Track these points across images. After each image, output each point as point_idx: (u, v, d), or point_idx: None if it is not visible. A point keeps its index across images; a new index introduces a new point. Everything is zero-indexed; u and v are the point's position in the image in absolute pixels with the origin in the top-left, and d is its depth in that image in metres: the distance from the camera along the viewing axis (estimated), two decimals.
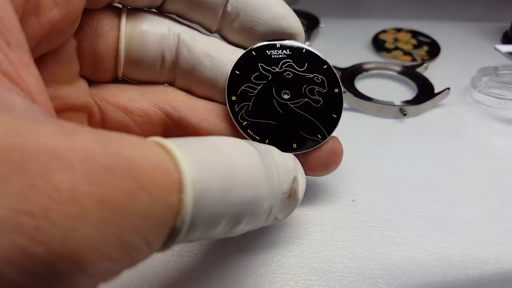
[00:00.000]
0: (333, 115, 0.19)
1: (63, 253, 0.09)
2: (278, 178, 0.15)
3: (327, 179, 0.24)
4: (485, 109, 0.31)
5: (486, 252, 0.20)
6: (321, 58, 0.20)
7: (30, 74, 0.12)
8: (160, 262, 0.19)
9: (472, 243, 0.20)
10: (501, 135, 0.29)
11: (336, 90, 0.20)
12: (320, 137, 0.19)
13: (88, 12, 0.17)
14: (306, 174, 0.18)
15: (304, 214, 0.22)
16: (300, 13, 0.42)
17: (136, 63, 0.18)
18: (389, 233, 0.21)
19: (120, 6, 0.18)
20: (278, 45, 0.19)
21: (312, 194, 0.23)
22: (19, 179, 0.08)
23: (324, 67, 0.20)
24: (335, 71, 0.20)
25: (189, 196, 0.11)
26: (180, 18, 0.19)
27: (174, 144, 0.12)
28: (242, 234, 0.18)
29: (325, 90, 0.19)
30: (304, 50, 0.20)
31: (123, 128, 0.18)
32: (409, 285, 0.19)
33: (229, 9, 0.18)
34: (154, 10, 0.19)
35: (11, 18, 0.12)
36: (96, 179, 0.09)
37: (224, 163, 0.13)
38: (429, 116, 0.30)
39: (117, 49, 0.18)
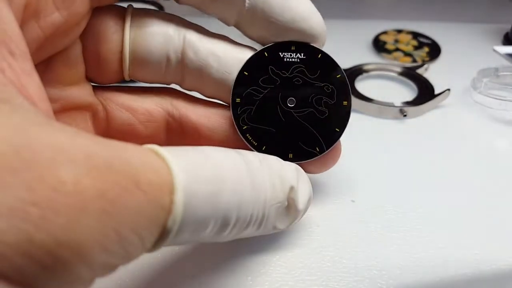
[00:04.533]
0: (336, 129, 0.19)
1: (66, 241, 0.09)
2: (271, 187, 0.15)
3: (327, 179, 0.24)
4: (485, 110, 0.31)
5: (485, 252, 0.20)
6: (336, 66, 0.19)
7: (33, 82, 0.12)
8: (160, 261, 0.19)
9: (471, 244, 0.20)
10: (501, 136, 0.29)
11: (345, 103, 0.19)
12: (318, 150, 0.19)
13: (92, 14, 0.17)
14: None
15: (304, 215, 0.22)
16: None
17: (141, 64, 0.18)
18: (388, 234, 0.21)
19: (126, 6, 0.18)
20: (292, 48, 0.19)
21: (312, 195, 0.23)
22: (27, 172, 0.09)
23: (338, 76, 0.19)
24: (348, 82, 0.19)
25: (180, 197, 0.12)
26: (197, 9, 0.18)
27: (166, 151, 0.13)
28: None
29: (333, 102, 0.19)
30: (320, 55, 0.19)
31: (128, 126, 0.19)
32: (408, 285, 0.19)
33: (247, 5, 0.17)
34: (161, 10, 0.19)
35: (13, 28, 0.12)
36: (97, 175, 0.10)
37: (212, 170, 0.13)
38: (429, 117, 0.31)
39: (121, 51, 0.18)
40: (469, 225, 0.21)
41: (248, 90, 0.19)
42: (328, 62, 0.19)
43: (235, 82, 0.18)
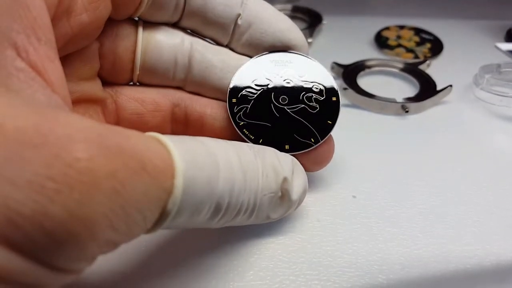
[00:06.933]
0: (328, 121, 0.20)
1: (78, 215, 0.10)
2: (263, 177, 0.16)
3: (328, 175, 0.24)
4: (487, 107, 0.31)
5: (486, 248, 0.20)
6: (322, 68, 0.21)
7: (55, 68, 0.13)
8: (160, 255, 0.19)
9: (472, 239, 0.20)
10: (503, 132, 0.29)
11: (334, 99, 0.20)
12: (313, 140, 0.20)
13: (109, 20, 0.18)
14: None
15: (305, 210, 0.22)
16: (302, 10, 0.42)
17: (151, 68, 0.20)
18: (389, 229, 0.21)
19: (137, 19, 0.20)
20: (281, 55, 0.21)
21: (313, 190, 0.23)
22: (46, 148, 0.10)
23: (324, 76, 0.21)
24: (334, 81, 0.21)
25: (180, 181, 0.13)
26: (194, 33, 0.20)
27: (167, 138, 0.13)
28: (243, 228, 0.18)
29: (322, 98, 0.20)
30: (306, 61, 0.21)
31: (136, 116, 0.20)
32: (409, 281, 0.19)
33: (239, 22, 0.20)
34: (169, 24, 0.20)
35: (44, 17, 0.13)
36: (109, 155, 0.11)
37: (207, 158, 0.14)
38: (431, 113, 0.30)
39: (134, 52, 0.19)
40: (470, 221, 0.21)
41: (243, 92, 0.20)
42: (314, 66, 0.21)
43: (230, 85, 0.20)
